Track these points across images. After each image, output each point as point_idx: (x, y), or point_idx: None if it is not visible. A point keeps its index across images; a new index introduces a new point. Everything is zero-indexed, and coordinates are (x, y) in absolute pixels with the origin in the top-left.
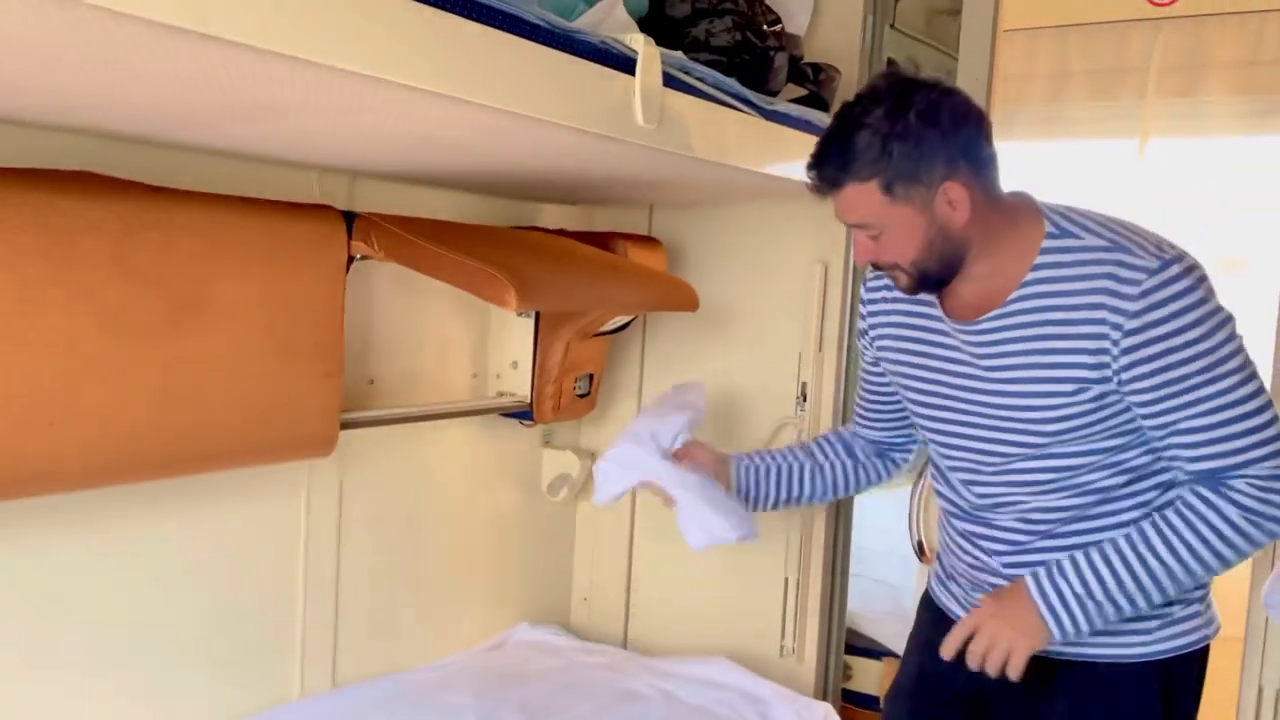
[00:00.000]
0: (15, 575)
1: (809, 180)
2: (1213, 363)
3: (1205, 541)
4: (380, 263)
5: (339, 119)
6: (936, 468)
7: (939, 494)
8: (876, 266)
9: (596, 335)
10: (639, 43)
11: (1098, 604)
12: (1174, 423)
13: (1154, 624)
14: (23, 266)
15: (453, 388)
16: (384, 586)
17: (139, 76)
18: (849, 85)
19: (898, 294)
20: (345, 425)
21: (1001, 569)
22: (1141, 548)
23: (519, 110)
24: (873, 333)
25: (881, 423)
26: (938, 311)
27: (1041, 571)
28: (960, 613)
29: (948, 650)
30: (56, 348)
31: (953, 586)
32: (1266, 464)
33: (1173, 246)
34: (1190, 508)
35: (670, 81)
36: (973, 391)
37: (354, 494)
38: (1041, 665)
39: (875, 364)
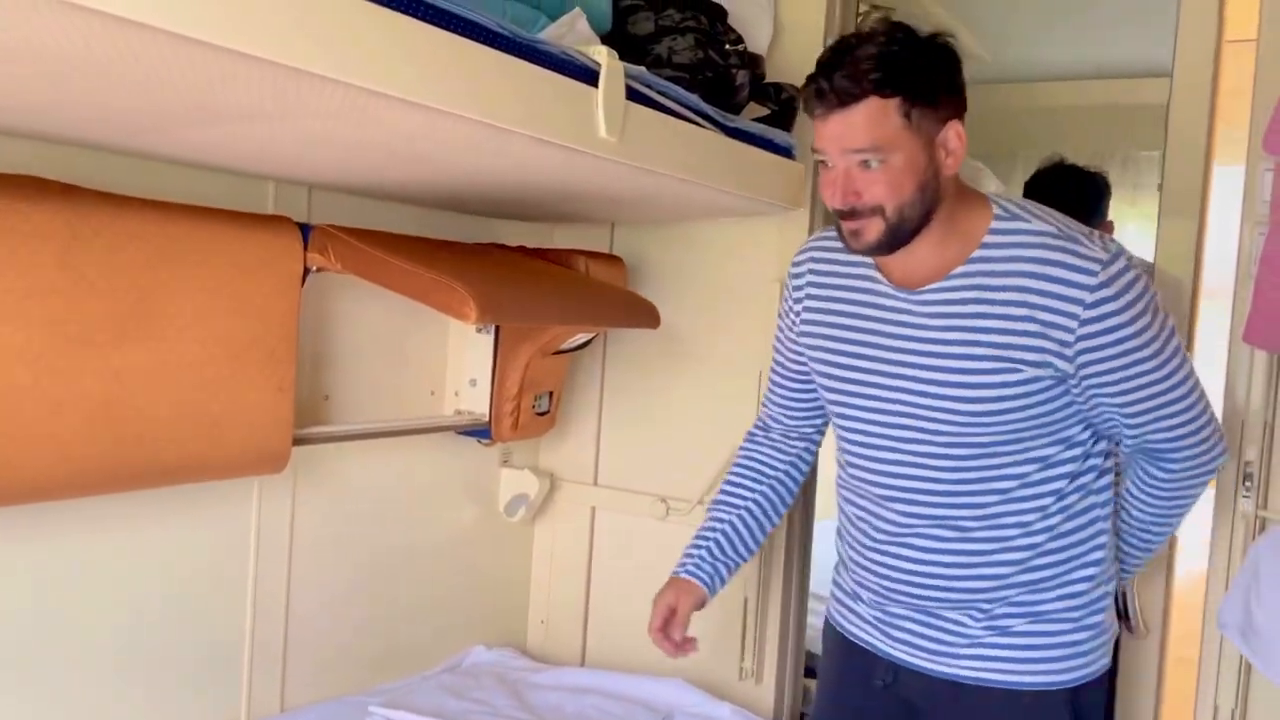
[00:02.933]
0: None
1: (816, 92)
2: (1160, 348)
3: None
4: (337, 275)
5: (295, 124)
6: (844, 465)
7: (844, 503)
8: (849, 214)
9: (557, 353)
10: (602, 55)
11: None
12: (1142, 405)
13: (1067, 654)
14: None
15: (410, 404)
16: (336, 606)
17: (87, 76)
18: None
19: (833, 262)
20: (298, 441)
21: (916, 567)
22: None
23: (479, 117)
24: (800, 305)
25: (795, 408)
26: (878, 277)
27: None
28: (869, 636)
29: None
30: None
31: (859, 606)
32: (1211, 438)
33: (1104, 238)
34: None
35: (633, 95)
36: (901, 362)
37: (306, 512)
38: (962, 693)
39: (796, 344)
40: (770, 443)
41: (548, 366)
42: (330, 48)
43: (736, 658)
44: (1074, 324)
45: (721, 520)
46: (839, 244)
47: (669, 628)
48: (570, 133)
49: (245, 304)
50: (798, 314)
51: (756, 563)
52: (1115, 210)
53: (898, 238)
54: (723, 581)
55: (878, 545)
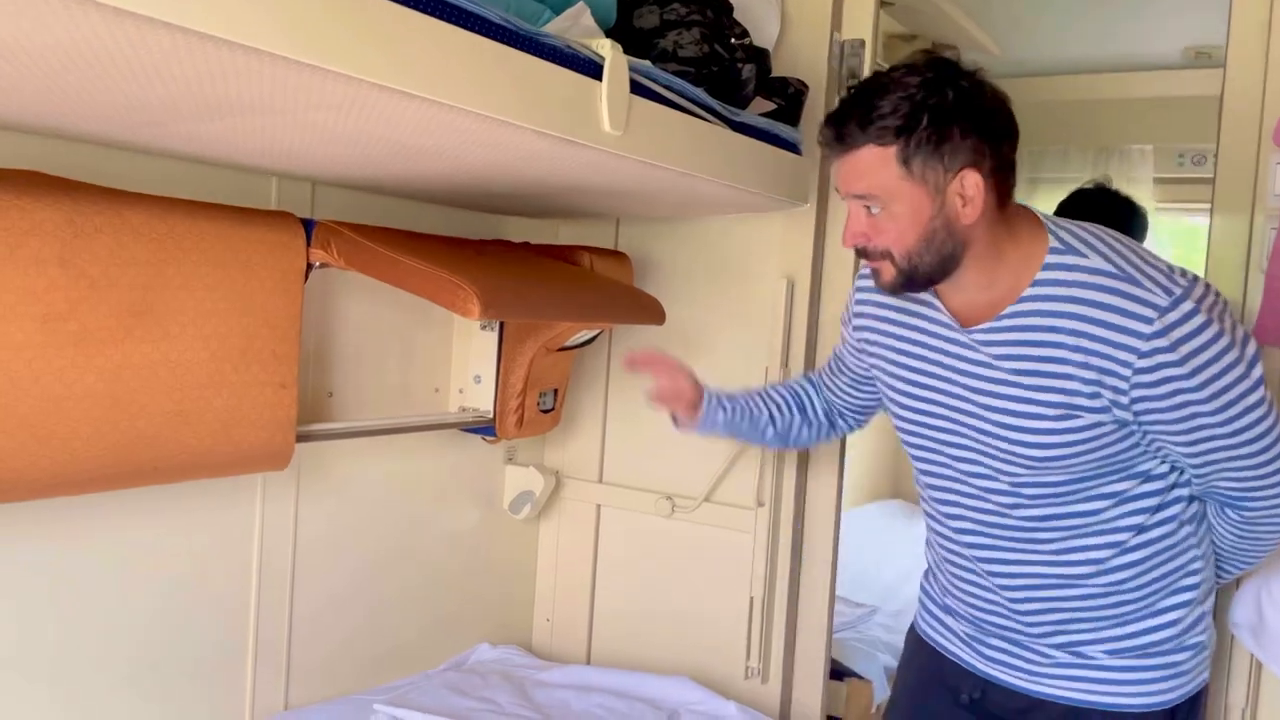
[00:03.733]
0: None
1: (823, 135)
2: (1229, 402)
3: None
4: (340, 271)
5: (297, 117)
6: (919, 481)
7: (927, 515)
8: (864, 254)
9: (561, 349)
10: (606, 48)
11: None
12: (1207, 456)
13: (1165, 674)
14: None
15: (414, 402)
16: (340, 604)
17: (87, 69)
18: (816, 101)
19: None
20: (301, 438)
21: (994, 596)
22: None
23: (482, 110)
24: (859, 334)
25: (847, 400)
26: (939, 305)
27: None
28: (959, 649)
29: None
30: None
31: (950, 620)
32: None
33: (1184, 275)
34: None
35: (638, 89)
36: (963, 398)
37: (310, 509)
38: (1053, 713)
39: (858, 356)
40: (815, 394)
41: (552, 363)
42: (332, 40)
43: (742, 657)
44: (1128, 372)
45: (751, 403)
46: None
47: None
48: (574, 126)
49: (248, 300)
50: (859, 339)
51: (764, 560)
52: None
53: (914, 281)
54: (723, 412)
55: (958, 569)
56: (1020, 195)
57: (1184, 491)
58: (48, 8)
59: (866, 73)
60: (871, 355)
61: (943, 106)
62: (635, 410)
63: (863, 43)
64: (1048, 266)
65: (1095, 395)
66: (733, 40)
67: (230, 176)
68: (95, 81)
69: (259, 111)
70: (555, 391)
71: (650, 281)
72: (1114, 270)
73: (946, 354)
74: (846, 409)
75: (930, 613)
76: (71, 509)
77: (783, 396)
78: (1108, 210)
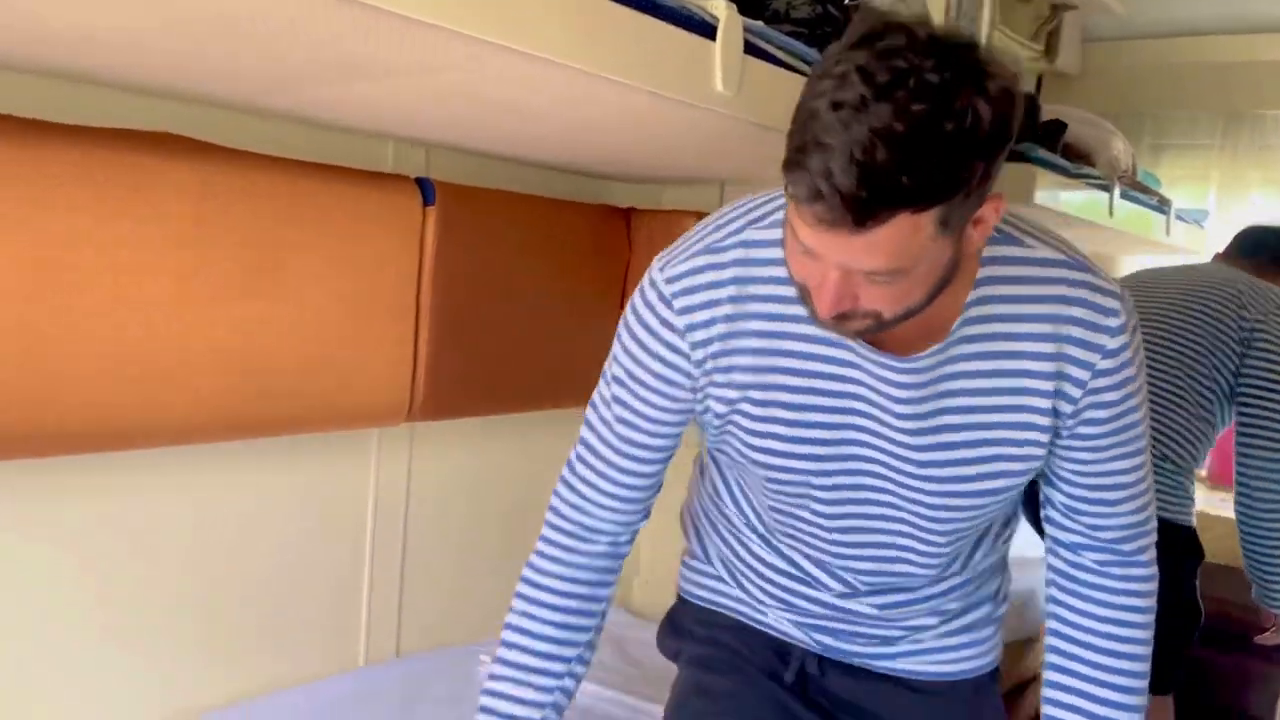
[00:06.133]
0: (82, 527)
1: (813, 189)
2: (1145, 414)
3: None
4: (461, 235)
5: (416, 79)
6: (763, 515)
7: (742, 526)
8: (840, 317)
9: None
10: (720, 8)
11: None
12: (1110, 475)
13: (990, 635)
14: (109, 226)
15: None
16: (451, 557)
17: (217, 32)
18: None
19: (767, 281)
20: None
21: (846, 617)
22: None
23: (596, 70)
24: (712, 334)
25: (644, 489)
26: (838, 348)
27: None
28: (783, 625)
29: None
30: (138, 310)
31: (765, 609)
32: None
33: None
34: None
35: (750, 49)
36: (876, 446)
37: (424, 462)
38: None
39: (695, 390)
40: (593, 567)
41: None
42: (455, 1)
43: None
44: (1086, 375)
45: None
46: (777, 254)
47: None
48: (686, 87)
49: (368, 260)
50: (706, 344)
51: None
52: (1237, 174)
53: (886, 329)
54: None
55: (793, 587)
56: (1145, 162)
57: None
58: None
59: (984, 29)
60: (727, 380)
61: (999, 135)
62: None
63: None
64: (987, 261)
65: (1054, 412)
66: (845, 1)
67: (349, 141)
68: (239, 46)
69: (379, 74)
70: None
71: None
72: (1065, 259)
73: (855, 382)
74: (637, 508)
75: (722, 593)
76: (199, 457)
77: (563, 665)
78: None
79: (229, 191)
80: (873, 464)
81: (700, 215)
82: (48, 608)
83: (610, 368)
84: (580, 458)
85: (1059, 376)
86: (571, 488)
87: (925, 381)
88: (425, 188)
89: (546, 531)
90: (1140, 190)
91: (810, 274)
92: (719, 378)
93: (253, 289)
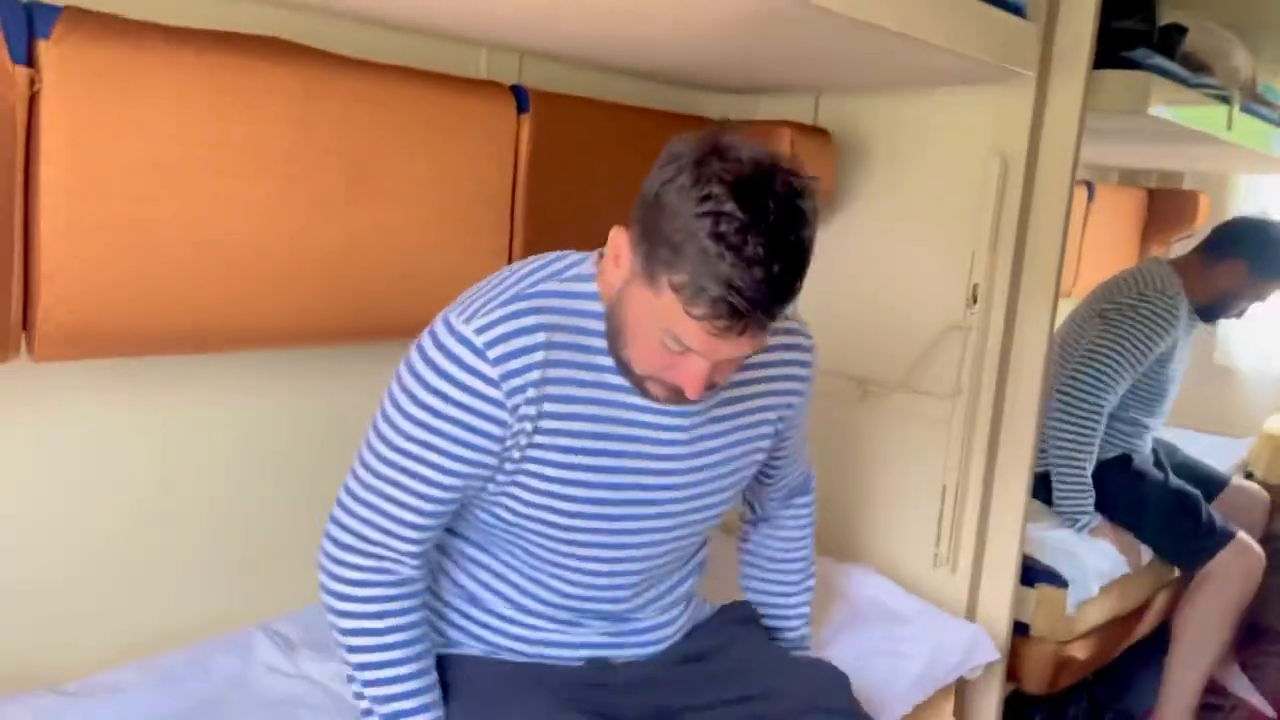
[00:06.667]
0: (175, 429)
1: (736, 319)
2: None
3: None
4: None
5: None
6: (532, 566)
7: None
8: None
9: None
10: None
11: None
12: (795, 454)
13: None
14: (220, 130)
15: None
16: None
17: None
18: None
19: (573, 348)
20: None
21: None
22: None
23: None
24: (523, 418)
25: (437, 532)
26: (625, 384)
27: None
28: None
29: None
30: (248, 212)
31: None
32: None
33: None
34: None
35: None
36: (668, 475)
37: None
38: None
39: (507, 453)
40: (416, 600)
41: None
42: None
43: (931, 547)
44: (805, 388)
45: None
46: (591, 335)
47: None
48: None
49: (463, 167)
50: (521, 391)
51: (958, 452)
52: None
53: None
54: None
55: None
56: (1266, 79)
57: None
58: None
59: None
60: (540, 444)
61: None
62: (829, 294)
63: None
64: None
65: (778, 423)
66: None
67: (442, 47)
68: None
69: None
70: None
71: (851, 160)
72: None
73: (642, 431)
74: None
75: (494, 642)
76: (296, 363)
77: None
78: None
79: (330, 96)
80: (649, 495)
81: (796, 126)
82: (131, 510)
83: (390, 433)
84: (365, 537)
85: (788, 394)
86: (370, 554)
87: (696, 415)
88: (520, 95)
89: (353, 604)
90: (1261, 104)
91: (669, 365)
92: (528, 426)
93: (354, 195)
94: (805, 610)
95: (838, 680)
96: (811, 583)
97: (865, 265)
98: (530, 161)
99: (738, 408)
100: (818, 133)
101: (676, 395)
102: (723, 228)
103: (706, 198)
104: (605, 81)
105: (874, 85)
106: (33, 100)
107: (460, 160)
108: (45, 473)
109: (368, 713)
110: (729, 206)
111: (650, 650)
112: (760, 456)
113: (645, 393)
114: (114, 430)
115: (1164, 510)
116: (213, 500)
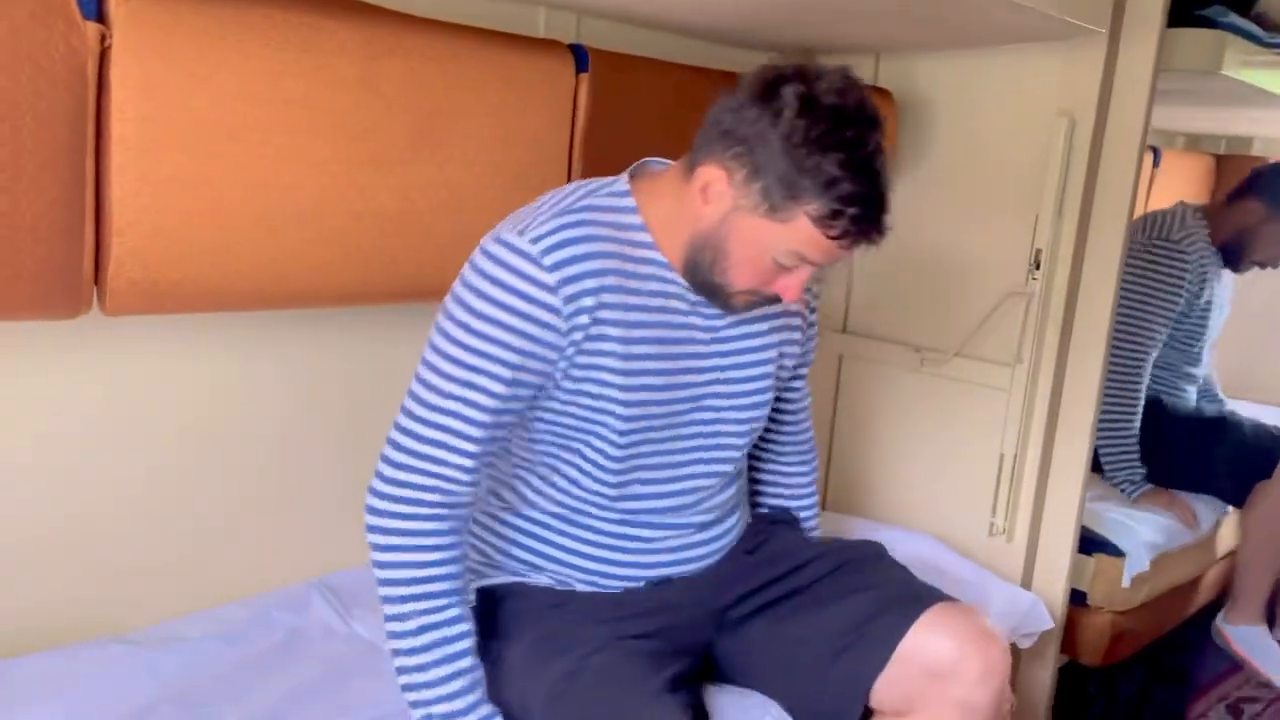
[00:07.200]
0: (236, 383)
1: (866, 231)
2: None
3: None
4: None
5: None
6: (602, 489)
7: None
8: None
9: None
10: None
11: None
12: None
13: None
14: (284, 86)
15: None
16: None
17: None
18: None
19: (633, 261)
20: None
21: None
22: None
23: None
24: (585, 329)
25: (488, 458)
26: (687, 294)
27: None
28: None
29: None
30: (310, 168)
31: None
32: None
33: None
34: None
35: None
36: (714, 371)
37: None
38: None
39: (566, 362)
40: (458, 536)
41: None
42: None
43: (987, 516)
44: (815, 304)
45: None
46: (636, 245)
47: None
48: None
49: (523, 127)
50: (583, 323)
51: (1017, 421)
52: None
53: None
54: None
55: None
56: None
57: None
58: None
59: None
60: (601, 350)
61: None
62: (887, 258)
63: None
64: None
65: (805, 328)
66: None
67: (501, 5)
68: None
69: None
70: None
71: (913, 120)
72: None
73: (694, 340)
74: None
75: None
76: (356, 319)
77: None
78: None
79: (392, 53)
80: (703, 391)
81: None
82: (191, 463)
83: (447, 345)
84: (422, 454)
85: (802, 309)
86: (427, 473)
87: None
88: (579, 54)
89: (404, 523)
90: None
91: (773, 280)
92: (583, 333)
93: (414, 153)
94: (815, 523)
95: (874, 546)
96: (816, 498)
97: (925, 229)
98: (588, 121)
99: (765, 310)
100: (879, 92)
101: (758, 303)
102: (846, 156)
103: (826, 134)
104: (660, 41)
105: (935, 44)
106: (103, 56)
107: (520, 119)
108: (110, 425)
109: (400, 655)
110: (850, 134)
111: (710, 562)
112: (790, 361)
113: (726, 304)
114: (176, 384)
115: (1198, 444)
116: (268, 454)
